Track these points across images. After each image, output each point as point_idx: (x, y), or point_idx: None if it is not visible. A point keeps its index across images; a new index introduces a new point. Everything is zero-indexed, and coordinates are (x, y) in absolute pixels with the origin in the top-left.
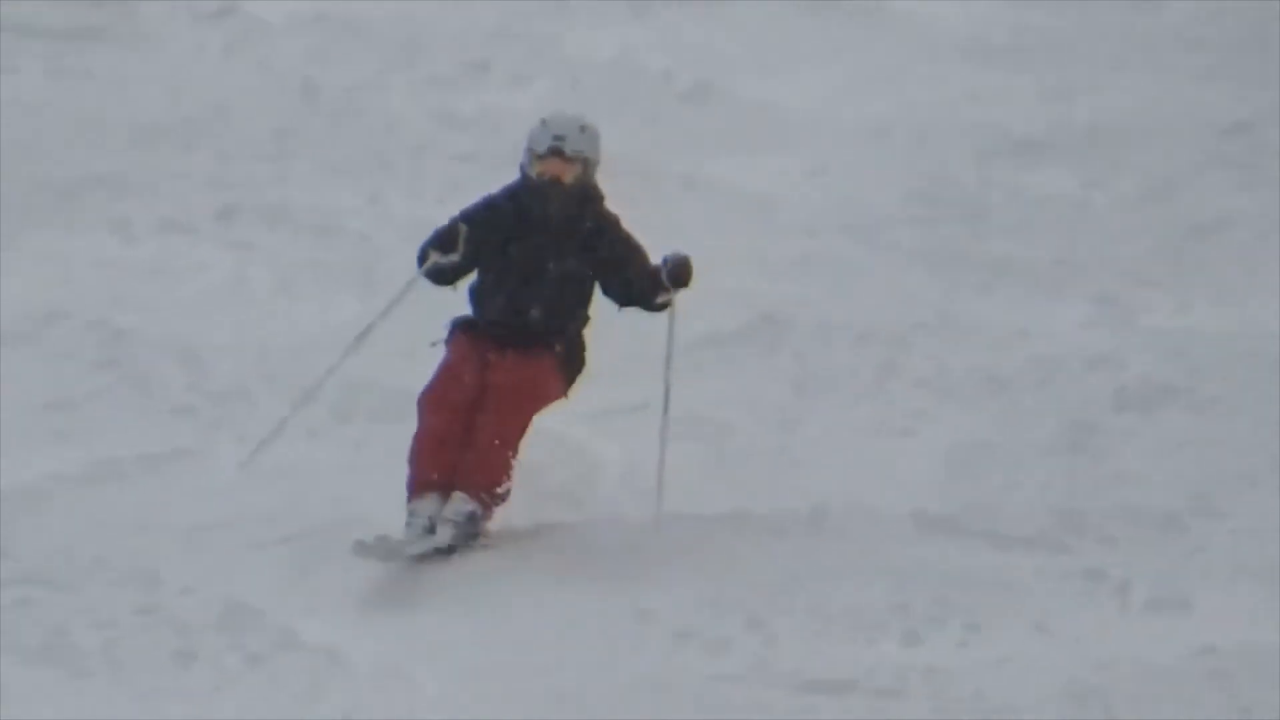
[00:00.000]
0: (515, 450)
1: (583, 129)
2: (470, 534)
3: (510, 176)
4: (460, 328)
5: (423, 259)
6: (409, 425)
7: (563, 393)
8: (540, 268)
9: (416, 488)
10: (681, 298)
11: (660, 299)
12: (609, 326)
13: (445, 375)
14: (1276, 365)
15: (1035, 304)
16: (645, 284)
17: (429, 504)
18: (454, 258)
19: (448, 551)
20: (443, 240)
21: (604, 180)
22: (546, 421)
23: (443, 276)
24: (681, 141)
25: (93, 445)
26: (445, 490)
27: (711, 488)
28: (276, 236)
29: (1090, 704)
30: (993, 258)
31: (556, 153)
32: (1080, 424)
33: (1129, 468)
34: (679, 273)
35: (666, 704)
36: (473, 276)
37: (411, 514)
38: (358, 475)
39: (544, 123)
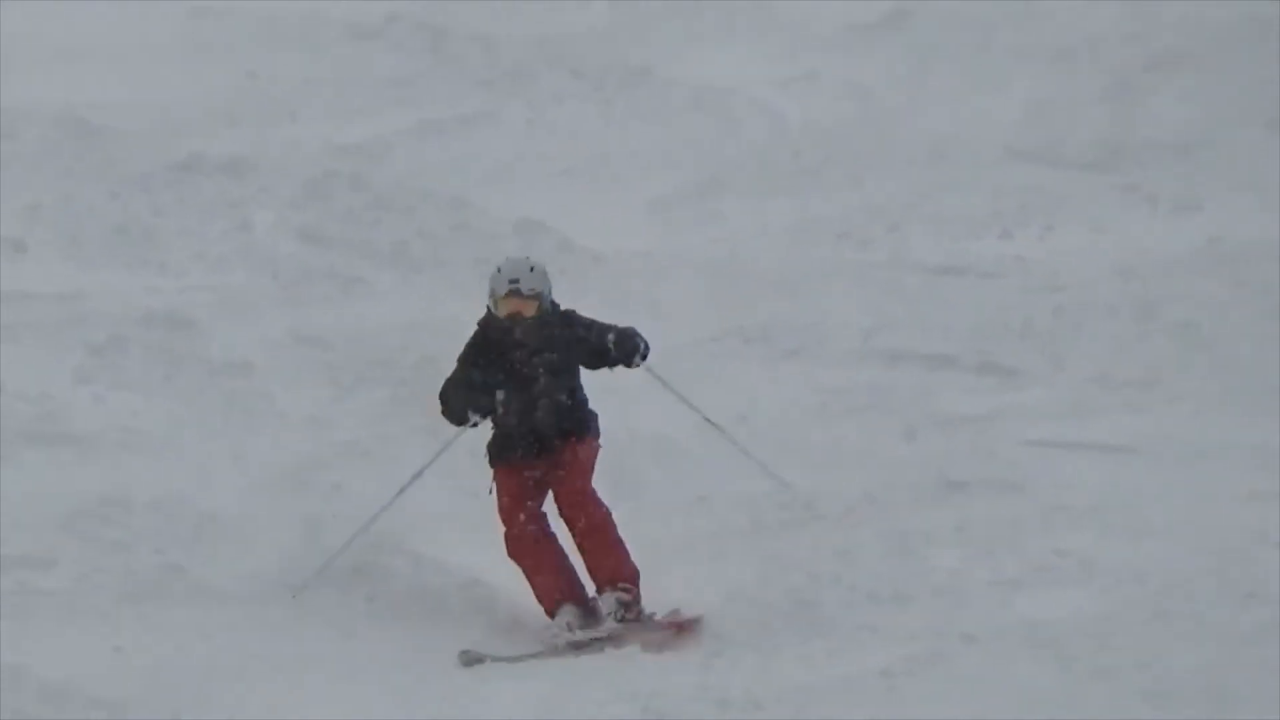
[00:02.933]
0: (617, 532)
1: (532, 269)
2: (629, 615)
3: None
4: (498, 460)
5: (462, 418)
6: None
7: (598, 445)
8: (532, 379)
9: (552, 607)
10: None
11: (614, 360)
12: None
13: (513, 516)
14: (1270, 35)
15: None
16: (602, 354)
17: (569, 613)
18: (491, 418)
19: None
20: (481, 407)
21: None
22: None
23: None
24: None
25: (422, 109)
26: (576, 599)
27: (854, 124)
28: None
29: (1130, 279)
30: None
31: (515, 294)
32: (1120, 82)
33: (1155, 113)
34: (624, 345)
35: (830, 284)
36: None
37: (562, 626)
38: None
39: (499, 269)
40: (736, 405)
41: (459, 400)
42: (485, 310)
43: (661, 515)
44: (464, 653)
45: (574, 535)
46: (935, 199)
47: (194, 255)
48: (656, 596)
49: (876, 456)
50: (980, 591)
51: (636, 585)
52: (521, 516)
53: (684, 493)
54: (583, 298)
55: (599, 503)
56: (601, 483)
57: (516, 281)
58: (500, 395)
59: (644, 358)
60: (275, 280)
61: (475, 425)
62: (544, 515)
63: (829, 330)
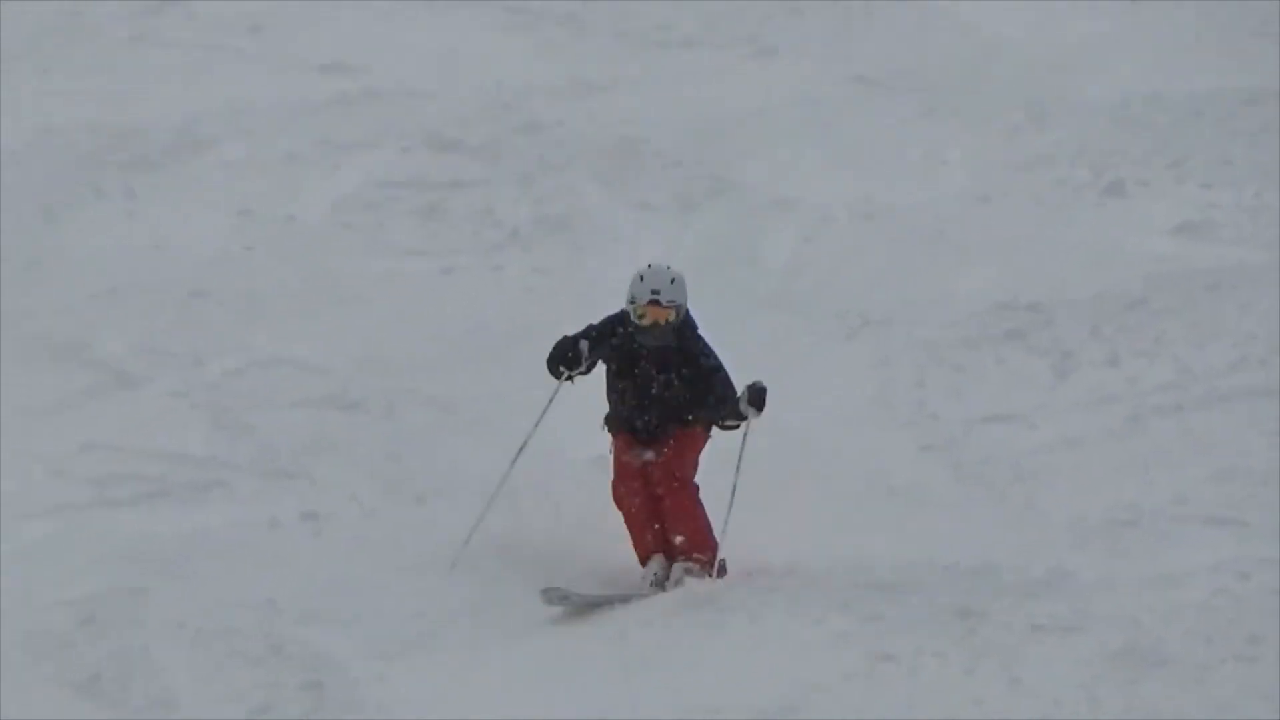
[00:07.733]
0: (702, 509)
1: (673, 281)
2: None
3: None
4: (613, 430)
5: (556, 372)
6: None
7: (706, 436)
8: (648, 387)
9: (642, 556)
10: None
11: (730, 423)
12: None
13: (621, 473)
14: None
15: None
16: (721, 408)
17: (656, 564)
18: (580, 371)
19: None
20: (569, 359)
21: None
22: None
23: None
24: None
25: None
26: (661, 551)
27: None
28: None
29: None
30: None
31: (654, 303)
32: None
33: None
34: (755, 399)
35: None
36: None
37: (649, 574)
38: None
39: (642, 277)
40: None
41: (553, 356)
42: (624, 310)
43: None
44: (547, 590)
45: (661, 506)
46: None
47: None
48: None
49: None
50: None
51: (709, 555)
52: (624, 472)
53: None
54: None
55: (689, 487)
56: None
57: (658, 292)
58: (584, 346)
59: (737, 421)
60: None
61: (570, 379)
62: (648, 473)
63: None
